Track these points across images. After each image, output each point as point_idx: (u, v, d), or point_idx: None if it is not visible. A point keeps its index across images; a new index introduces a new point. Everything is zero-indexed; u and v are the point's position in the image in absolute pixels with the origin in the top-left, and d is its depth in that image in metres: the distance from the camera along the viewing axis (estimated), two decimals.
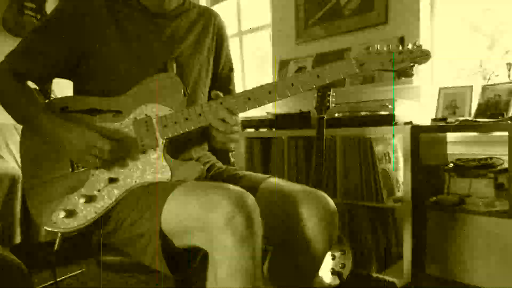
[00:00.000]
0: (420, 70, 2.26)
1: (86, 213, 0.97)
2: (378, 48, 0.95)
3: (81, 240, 1.08)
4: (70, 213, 0.97)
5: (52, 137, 1.00)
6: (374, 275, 2.02)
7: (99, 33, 1.06)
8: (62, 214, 0.97)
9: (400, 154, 2.21)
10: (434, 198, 1.88)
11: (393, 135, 2.20)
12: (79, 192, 0.99)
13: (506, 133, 1.64)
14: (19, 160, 2.58)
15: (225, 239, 0.77)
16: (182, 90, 1.04)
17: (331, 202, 1.06)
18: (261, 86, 0.99)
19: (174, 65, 1.12)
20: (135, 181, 1.00)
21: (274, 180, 1.14)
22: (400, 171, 2.18)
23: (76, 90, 1.14)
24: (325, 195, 1.07)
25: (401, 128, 1.88)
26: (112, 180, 0.99)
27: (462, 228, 1.76)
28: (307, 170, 2.33)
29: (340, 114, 2.12)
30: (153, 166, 1.00)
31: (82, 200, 0.98)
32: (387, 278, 1.96)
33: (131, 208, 0.96)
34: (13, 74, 1.04)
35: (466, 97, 2.08)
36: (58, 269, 2.21)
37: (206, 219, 0.80)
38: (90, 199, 0.98)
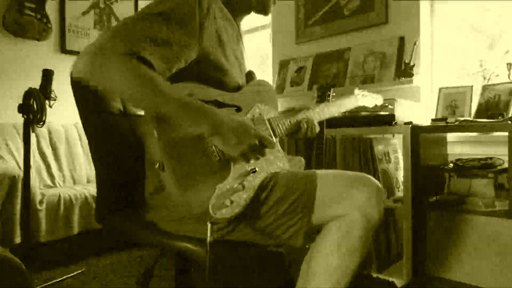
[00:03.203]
0: (420, 70, 2.27)
1: (238, 202, 0.98)
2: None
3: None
4: (224, 203, 0.97)
5: (219, 129, 0.92)
6: (374, 275, 2.02)
7: (219, 35, 1.07)
8: (221, 204, 0.96)
9: (400, 154, 2.22)
10: (434, 198, 1.88)
11: (393, 135, 2.20)
12: (227, 181, 0.98)
13: (506, 133, 1.64)
14: (19, 160, 2.59)
15: (372, 208, 1.00)
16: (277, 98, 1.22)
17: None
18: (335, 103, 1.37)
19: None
20: (267, 172, 1.06)
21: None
22: (400, 171, 2.18)
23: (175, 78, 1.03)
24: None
25: (401, 128, 1.88)
26: (254, 171, 1.03)
27: (462, 228, 1.76)
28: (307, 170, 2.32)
29: (340, 114, 2.12)
30: (277, 158, 1.11)
31: (237, 187, 0.99)
32: (387, 278, 1.96)
33: (282, 196, 1.02)
34: (137, 60, 0.87)
35: (466, 97, 2.08)
36: (58, 269, 2.21)
37: (356, 195, 1.00)
38: (240, 188, 1.00)
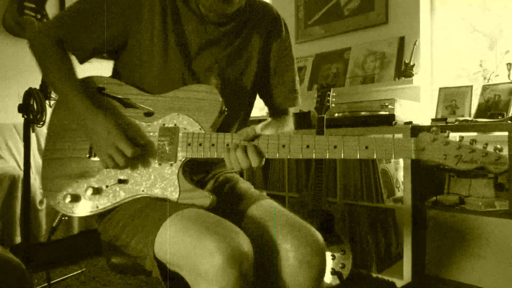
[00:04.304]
0: (420, 70, 2.27)
1: (89, 204, 0.97)
2: (445, 138, 0.81)
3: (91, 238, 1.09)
4: (75, 199, 0.97)
5: (81, 119, 0.97)
6: (374, 275, 2.02)
7: (145, 24, 1.00)
8: (67, 197, 0.97)
9: None
10: (434, 198, 1.88)
11: (393, 135, 2.20)
12: (89, 181, 0.98)
13: (506, 133, 1.64)
14: (19, 160, 2.58)
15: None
16: (219, 110, 0.96)
17: (319, 237, 0.93)
18: (301, 137, 0.88)
19: (216, 80, 1.05)
20: (142, 190, 0.95)
21: (266, 203, 1.02)
22: (400, 171, 2.18)
23: (114, 71, 1.11)
24: (314, 230, 0.94)
25: (401, 128, 1.88)
26: (121, 181, 0.96)
27: (462, 228, 1.76)
28: (307, 170, 2.33)
29: (340, 114, 2.12)
30: (164, 181, 0.94)
31: (89, 191, 0.96)
32: (387, 278, 1.96)
33: (130, 222, 0.92)
34: (55, 40, 1.00)
35: (466, 97, 2.08)
36: (58, 269, 2.21)
37: (197, 264, 0.78)
38: (96, 191, 0.97)
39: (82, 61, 1.05)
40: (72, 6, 1.03)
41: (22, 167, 1.99)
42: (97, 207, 0.96)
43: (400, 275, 1.90)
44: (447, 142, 0.80)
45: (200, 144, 0.93)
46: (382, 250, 2.08)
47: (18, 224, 2.10)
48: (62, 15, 1.03)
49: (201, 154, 0.93)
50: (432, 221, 1.85)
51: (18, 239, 2.10)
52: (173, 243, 0.81)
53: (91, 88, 1.02)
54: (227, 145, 0.92)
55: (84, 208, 0.97)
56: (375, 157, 0.82)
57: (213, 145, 0.93)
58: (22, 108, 1.79)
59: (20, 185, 2.11)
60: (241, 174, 1.20)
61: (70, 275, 2.12)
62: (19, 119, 1.85)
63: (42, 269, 2.19)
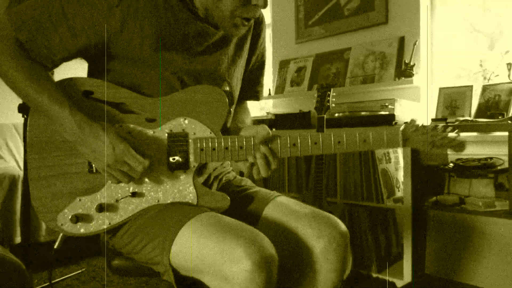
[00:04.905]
0: (420, 70, 2.27)
1: (98, 222, 0.90)
2: (423, 129, 0.94)
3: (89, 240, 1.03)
4: (80, 218, 0.89)
5: (73, 136, 0.85)
6: (374, 275, 2.02)
7: (134, 25, 0.89)
8: (70, 217, 0.89)
9: (400, 154, 2.22)
10: (434, 198, 1.88)
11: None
12: (93, 197, 0.90)
13: (506, 133, 1.64)
14: (19, 160, 2.59)
15: None
16: (227, 112, 0.94)
17: (342, 225, 0.99)
18: (309, 135, 0.94)
19: (215, 80, 1.02)
20: (157, 201, 0.91)
21: (282, 200, 1.04)
22: (400, 171, 2.18)
23: (92, 73, 0.98)
24: (336, 218, 0.99)
25: None
26: (134, 194, 0.91)
27: (462, 228, 1.76)
28: (307, 170, 2.33)
29: (340, 114, 2.12)
30: (179, 189, 0.92)
31: (95, 207, 0.89)
32: (387, 278, 1.96)
33: (143, 229, 0.88)
34: (13, 42, 0.84)
35: (466, 97, 2.08)
36: (58, 269, 2.21)
37: (223, 269, 0.76)
38: (105, 208, 0.90)
39: (51, 69, 0.90)
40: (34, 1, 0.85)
41: (22, 167, 1.99)
42: (109, 223, 0.90)
43: (400, 275, 1.90)
44: (424, 132, 0.93)
45: (214, 149, 0.92)
46: (382, 250, 2.08)
47: (18, 224, 2.11)
48: (21, 12, 0.84)
49: (216, 158, 0.93)
50: (432, 221, 1.85)
51: (18, 239, 2.11)
52: (195, 248, 0.80)
53: (74, 93, 0.89)
54: (241, 147, 0.92)
55: (94, 227, 0.90)
56: (372, 148, 0.94)
57: (226, 148, 0.92)
58: (22, 108, 1.79)
59: (20, 185, 2.11)
60: (241, 173, 1.20)
61: (70, 275, 2.12)
62: (19, 119, 1.86)
63: (42, 269, 2.19)
